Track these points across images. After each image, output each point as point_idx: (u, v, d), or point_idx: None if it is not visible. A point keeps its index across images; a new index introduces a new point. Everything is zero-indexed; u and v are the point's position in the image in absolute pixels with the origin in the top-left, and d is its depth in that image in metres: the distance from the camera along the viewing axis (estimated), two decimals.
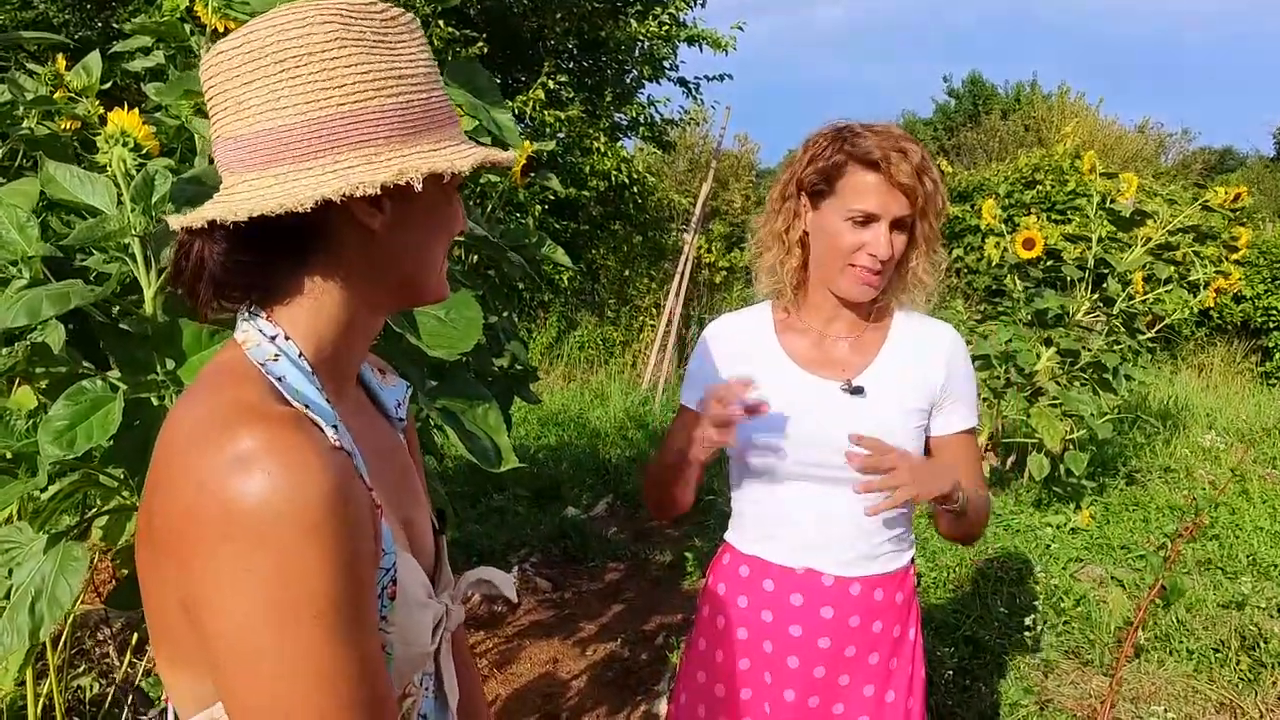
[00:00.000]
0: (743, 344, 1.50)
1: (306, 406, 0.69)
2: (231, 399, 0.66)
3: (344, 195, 0.66)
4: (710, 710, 1.51)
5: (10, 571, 1.28)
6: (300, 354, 0.72)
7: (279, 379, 0.70)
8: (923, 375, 1.44)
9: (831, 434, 1.39)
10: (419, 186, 0.68)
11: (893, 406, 1.41)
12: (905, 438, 1.41)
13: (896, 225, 1.36)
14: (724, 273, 9.57)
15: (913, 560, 1.52)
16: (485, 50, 7.47)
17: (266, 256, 0.71)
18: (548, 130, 7.50)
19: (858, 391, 1.41)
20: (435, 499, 1.11)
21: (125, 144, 1.17)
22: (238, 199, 0.68)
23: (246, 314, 0.74)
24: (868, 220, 1.35)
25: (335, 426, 0.70)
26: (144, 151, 1.20)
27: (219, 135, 0.70)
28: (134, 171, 1.19)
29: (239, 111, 0.68)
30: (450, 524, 0.97)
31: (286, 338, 0.72)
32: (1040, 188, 9.42)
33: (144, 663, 2.51)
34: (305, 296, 0.73)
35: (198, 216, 0.68)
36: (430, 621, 0.79)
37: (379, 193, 0.67)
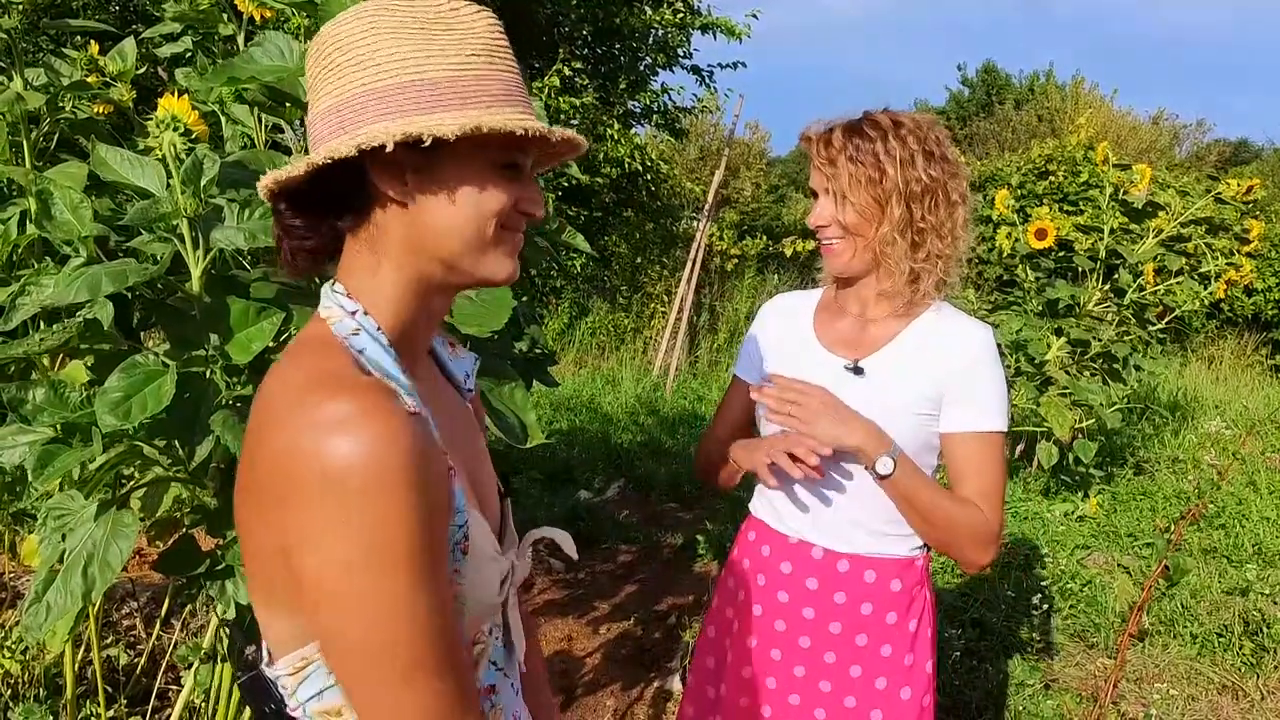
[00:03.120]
0: (785, 319, 1.59)
1: (386, 377, 0.75)
2: (323, 368, 0.73)
3: (327, 159, 0.72)
4: (718, 663, 1.60)
5: (63, 536, 1.34)
6: (379, 328, 0.79)
7: (360, 352, 0.77)
8: (932, 365, 1.42)
9: None
10: (390, 148, 0.71)
11: (893, 390, 1.42)
12: (904, 423, 1.41)
13: (830, 198, 1.43)
14: (735, 260, 9.60)
15: (925, 554, 1.49)
16: None
17: (312, 221, 0.79)
18: (562, 117, 7.52)
19: (859, 371, 1.44)
20: None
21: (176, 129, 1.22)
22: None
23: (329, 290, 0.81)
24: (815, 195, 1.46)
25: (413, 395, 0.76)
26: (193, 136, 1.25)
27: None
28: (183, 156, 1.24)
29: (310, 100, 0.77)
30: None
31: (365, 313, 0.79)
32: (1053, 178, 9.42)
33: (174, 634, 2.59)
34: (361, 270, 0.80)
35: (261, 186, 0.77)
36: (498, 575, 0.85)
37: (354, 154, 0.71)
